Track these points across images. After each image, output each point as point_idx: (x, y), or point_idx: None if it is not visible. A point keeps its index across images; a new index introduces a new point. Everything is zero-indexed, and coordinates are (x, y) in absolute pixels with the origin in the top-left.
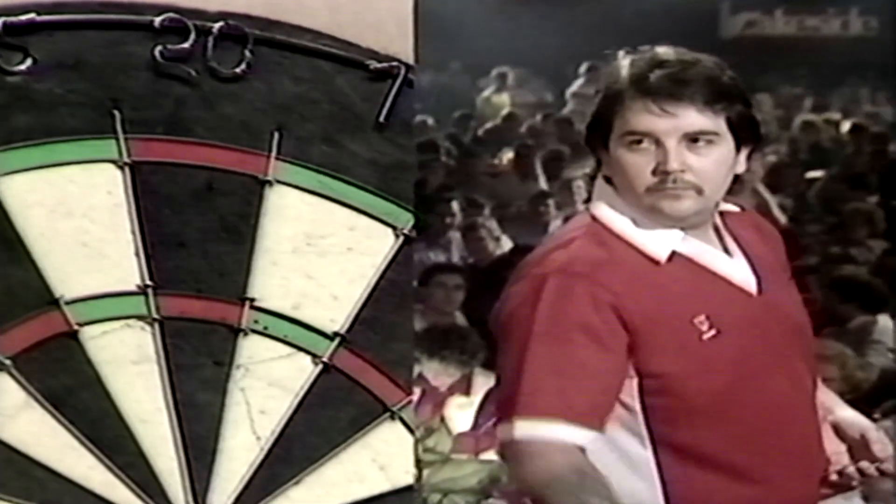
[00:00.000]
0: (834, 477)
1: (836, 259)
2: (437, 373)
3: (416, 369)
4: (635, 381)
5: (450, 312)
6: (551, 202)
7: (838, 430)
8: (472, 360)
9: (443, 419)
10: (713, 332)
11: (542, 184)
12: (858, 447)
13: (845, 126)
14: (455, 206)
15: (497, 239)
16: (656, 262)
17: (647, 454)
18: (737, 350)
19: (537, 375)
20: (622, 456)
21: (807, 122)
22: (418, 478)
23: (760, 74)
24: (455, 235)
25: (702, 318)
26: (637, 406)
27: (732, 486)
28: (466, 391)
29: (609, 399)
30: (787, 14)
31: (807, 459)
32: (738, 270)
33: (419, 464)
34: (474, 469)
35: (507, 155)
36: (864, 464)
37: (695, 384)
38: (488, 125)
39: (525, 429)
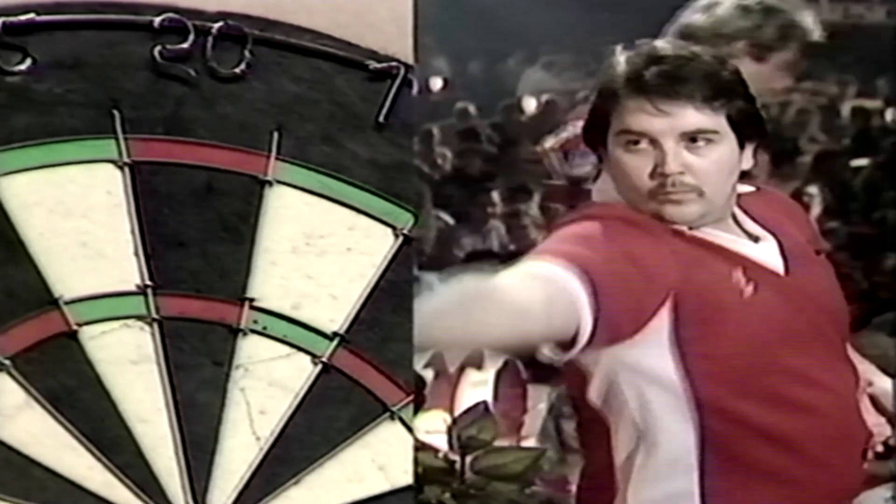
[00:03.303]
0: (879, 448)
1: (883, 248)
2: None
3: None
4: (667, 334)
5: None
6: None
7: (876, 402)
8: None
9: (486, 407)
10: (751, 287)
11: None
12: None
13: (889, 114)
14: (495, 194)
15: (539, 226)
16: (681, 233)
17: (685, 412)
18: (772, 314)
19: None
20: (659, 415)
21: (853, 109)
22: (461, 464)
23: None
24: (496, 223)
25: (739, 273)
26: (670, 360)
27: (772, 454)
28: (479, 365)
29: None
30: (832, 1)
31: (844, 437)
32: (764, 254)
33: (462, 450)
34: (517, 457)
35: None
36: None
37: (734, 342)
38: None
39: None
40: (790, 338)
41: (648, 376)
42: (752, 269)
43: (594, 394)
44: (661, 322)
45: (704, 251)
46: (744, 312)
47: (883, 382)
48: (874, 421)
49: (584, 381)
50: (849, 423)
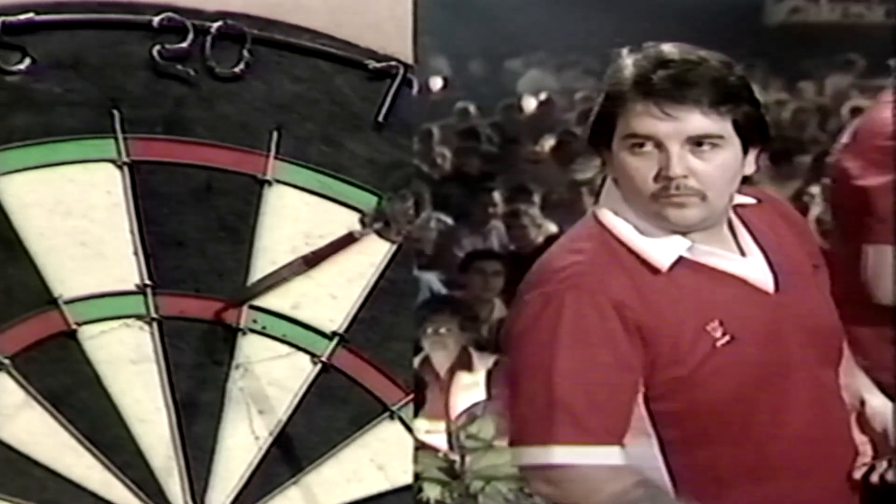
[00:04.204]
0: (857, 474)
1: None
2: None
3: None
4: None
5: (489, 299)
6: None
7: (861, 421)
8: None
9: (485, 406)
10: (727, 338)
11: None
12: (880, 440)
13: None
14: (496, 194)
15: (539, 226)
16: (658, 271)
17: (659, 464)
18: (752, 355)
19: (572, 399)
20: (634, 459)
21: (853, 109)
22: (460, 464)
23: (804, 61)
24: (496, 223)
25: (714, 324)
26: (643, 413)
27: (748, 492)
28: (469, 367)
29: (630, 414)
30: (831, 1)
31: (831, 461)
32: (752, 270)
33: (462, 450)
34: None
35: (549, 142)
36: (883, 464)
37: (706, 390)
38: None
39: (569, 455)
40: (769, 377)
41: None
42: (727, 315)
43: None
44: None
45: (680, 296)
46: (718, 362)
47: (875, 401)
48: (861, 439)
49: None
50: (834, 444)
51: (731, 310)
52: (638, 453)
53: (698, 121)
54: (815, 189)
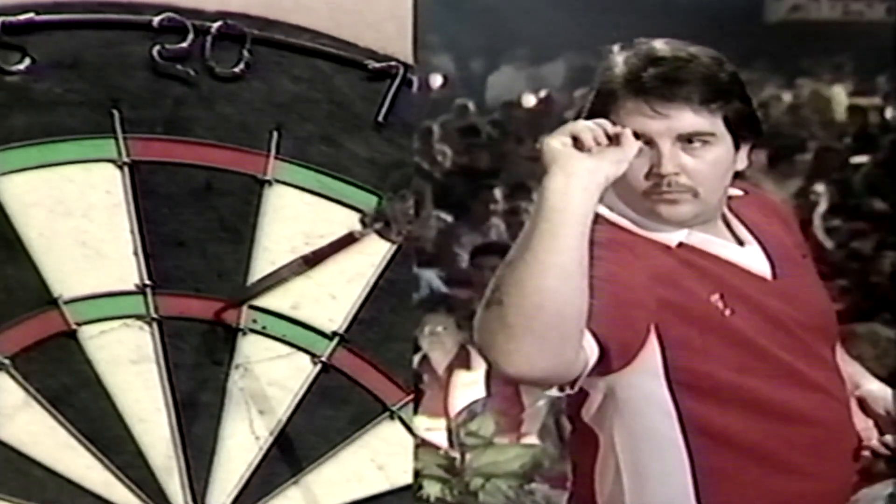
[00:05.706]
0: (866, 453)
1: (882, 245)
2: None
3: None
4: (659, 359)
5: None
6: None
7: (864, 404)
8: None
9: (485, 403)
10: (729, 310)
11: None
12: (885, 422)
13: (889, 111)
14: (497, 191)
15: None
16: (666, 247)
17: (676, 434)
18: (754, 331)
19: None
20: (651, 436)
21: (852, 106)
22: (461, 461)
23: (804, 59)
24: (496, 220)
25: (716, 296)
26: (663, 383)
27: (763, 470)
28: (467, 365)
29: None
30: None
31: (836, 441)
32: (750, 258)
33: (462, 447)
34: (517, 453)
35: None
36: (889, 438)
37: (718, 358)
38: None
39: None
40: (776, 347)
41: (643, 401)
42: (729, 291)
43: (589, 412)
44: (652, 350)
45: (687, 271)
46: (725, 330)
47: (870, 384)
48: (862, 425)
49: (582, 396)
50: (840, 427)
51: (732, 290)
52: (660, 432)
53: (689, 118)
54: (819, 187)
